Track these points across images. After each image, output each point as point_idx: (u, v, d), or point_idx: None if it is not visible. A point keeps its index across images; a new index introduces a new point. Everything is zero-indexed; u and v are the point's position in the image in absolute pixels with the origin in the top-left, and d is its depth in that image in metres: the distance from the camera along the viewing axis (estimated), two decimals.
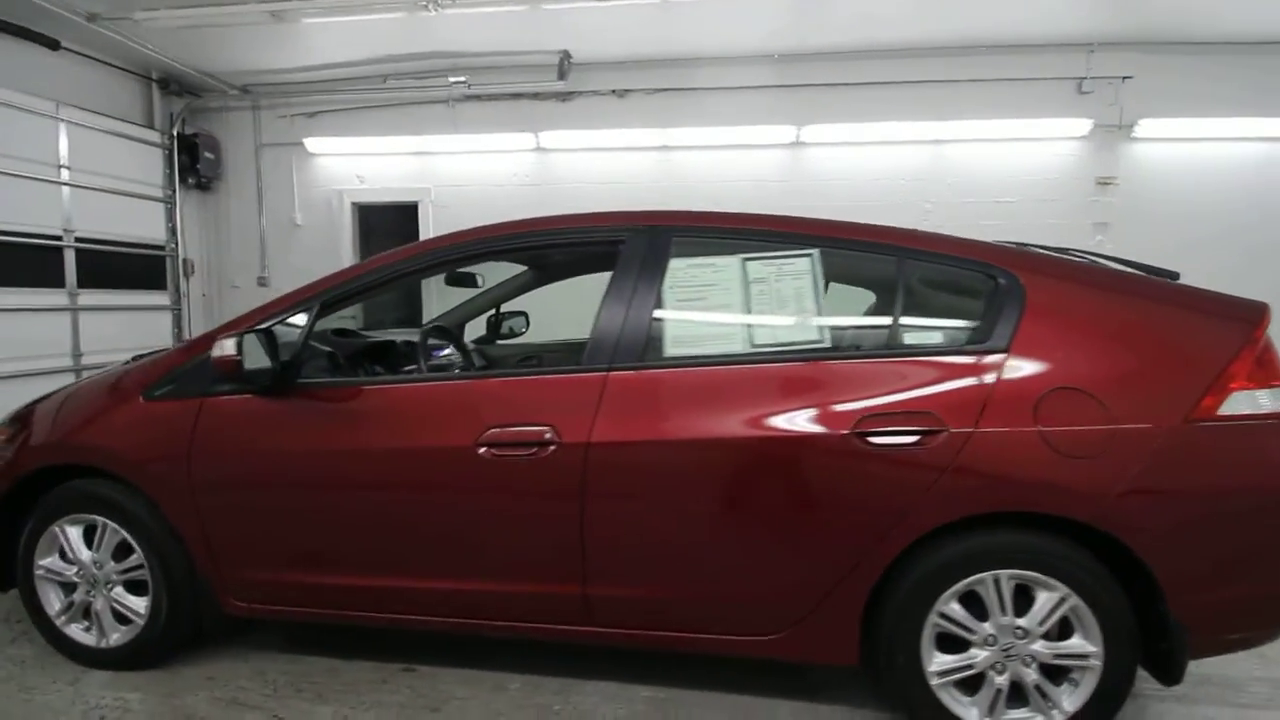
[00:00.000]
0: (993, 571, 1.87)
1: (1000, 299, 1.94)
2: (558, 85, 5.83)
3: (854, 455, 1.86)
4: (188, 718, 2.09)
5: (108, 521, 2.27)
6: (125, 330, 5.64)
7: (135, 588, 2.31)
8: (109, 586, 2.30)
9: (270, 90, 6.22)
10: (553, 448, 1.97)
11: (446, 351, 3.01)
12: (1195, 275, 2.13)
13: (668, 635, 2.04)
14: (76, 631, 2.36)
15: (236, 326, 2.25)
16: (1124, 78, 5.33)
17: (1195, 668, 1.89)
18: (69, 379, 5.18)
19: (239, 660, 2.41)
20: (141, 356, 2.56)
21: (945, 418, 1.84)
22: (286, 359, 2.10)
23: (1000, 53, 5.38)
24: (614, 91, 5.97)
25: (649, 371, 2.00)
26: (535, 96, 6.03)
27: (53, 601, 2.36)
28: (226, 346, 2.00)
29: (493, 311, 3.59)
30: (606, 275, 3.15)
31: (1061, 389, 1.84)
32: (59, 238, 5.04)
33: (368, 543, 2.14)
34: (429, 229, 6.33)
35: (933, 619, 1.90)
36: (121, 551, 2.29)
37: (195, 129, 6.27)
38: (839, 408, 1.89)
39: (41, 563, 2.34)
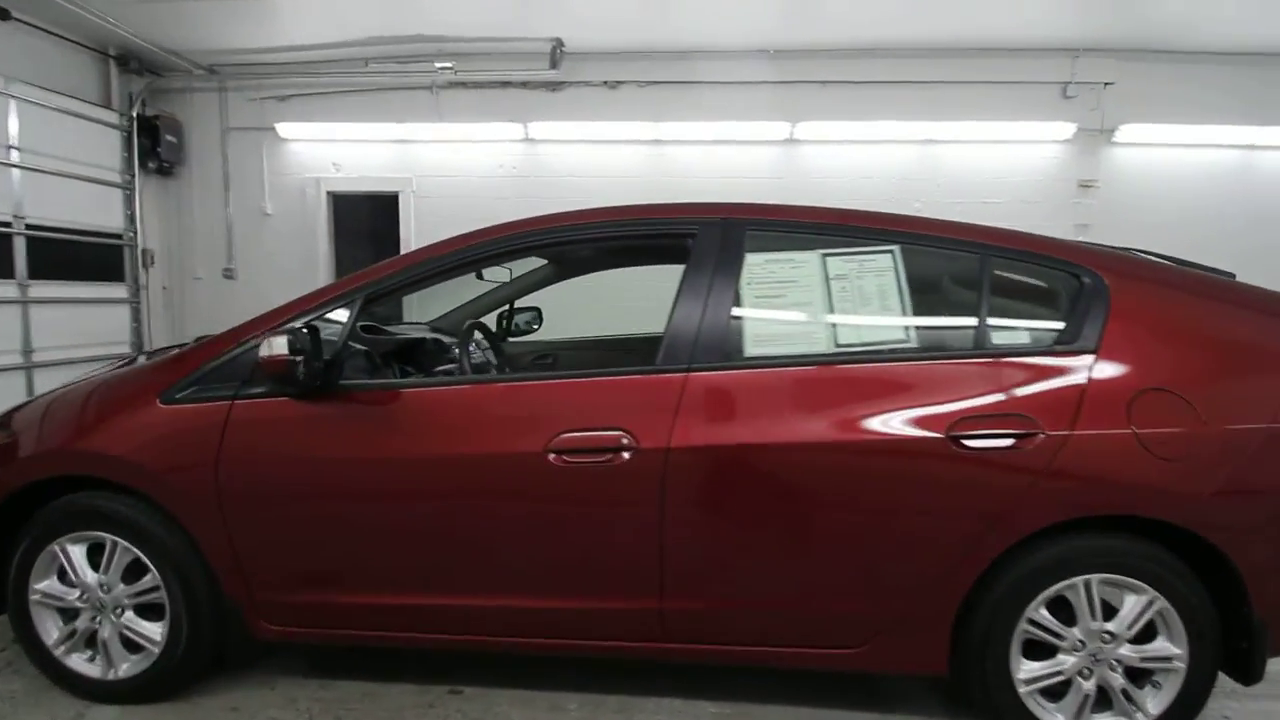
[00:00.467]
0: (1084, 576, 1.84)
1: (1086, 299, 1.91)
2: (549, 74, 5.67)
3: (949, 459, 1.80)
4: None
5: (118, 539, 2.04)
6: (80, 324, 5.23)
7: (147, 612, 2.08)
8: (118, 611, 2.07)
9: (239, 71, 5.86)
10: (629, 454, 1.85)
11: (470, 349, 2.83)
12: None
13: (746, 650, 1.95)
14: (79, 662, 2.12)
15: (267, 323, 2.06)
16: (1106, 83, 5.47)
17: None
18: (19, 378, 4.76)
19: (264, 687, 2.21)
20: (154, 354, 2.32)
21: (1041, 420, 1.80)
22: (329, 358, 1.92)
23: (989, 56, 5.45)
24: (606, 83, 5.83)
25: (730, 372, 1.90)
26: (524, 85, 5.84)
27: (50, 630, 2.12)
28: (278, 345, 1.80)
29: (505, 307, 3.43)
30: (608, 270, 3.22)
31: (1151, 390, 1.82)
32: (8, 224, 4.61)
33: (422, 559, 1.98)
34: (410, 221, 6.08)
35: (1022, 625, 1.86)
36: (132, 573, 2.07)
37: (156, 110, 5.86)
38: (931, 410, 1.82)
39: (37, 586, 2.09)
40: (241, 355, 2.03)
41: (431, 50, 5.61)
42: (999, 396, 1.83)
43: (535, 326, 3.61)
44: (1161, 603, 1.83)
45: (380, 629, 2.03)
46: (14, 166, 4.64)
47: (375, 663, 2.31)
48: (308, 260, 6.11)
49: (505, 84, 5.85)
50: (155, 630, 2.06)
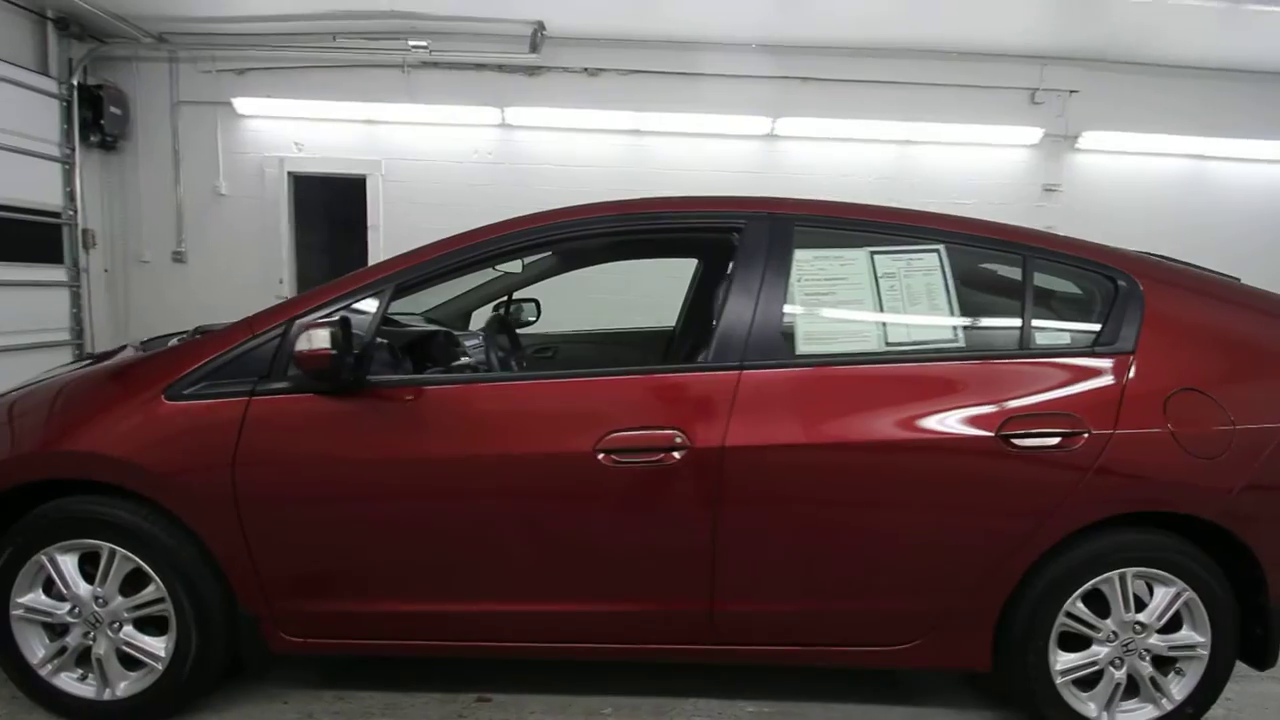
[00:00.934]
0: (1120, 570, 1.89)
1: (1123, 302, 1.96)
2: (528, 58, 5.51)
3: (1000, 458, 1.82)
4: None
5: (116, 548, 1.86)
6: (13, 309, 4.83)
7: (147, 625, 1.92)
8: (116, 626, 1.90)
9: (192, 41, 5.48)
10: (682, 453, 1.80)
11: (473, 343, 2.72)
12: None
13: (796, 650, 1.94)
14: (68, 682, 1.94)
15: (285, 314, 1.91)
16: (1071, 91, 5.69)
17: None
18: None
19: (276, 701, 2.07)
20: (148, 344, 2.13)
21: (1086, 419, 1.84)
22: (358, 353, 1.80)
23: (965, 60, 5.59)
24: (586, 69, 5.71)
25: (784, 370, 1.87)
26: (501, 69, 5.67)
27: (34, 648, 1.92)
28: (319, 339, 1.66)
29: (503, 299, 3.31)
30: (620, 261, 3.14)
31: (1184, 390, 1.88)
32: None
33: (461, 563, 1.88)
34: (379, 206, 5.84)
35: (1061, 619, 1.91)
36: (131, 584, 1.90)
37: (99, 79, 5.42)
38: (982, 410, 1.84)
39: (20, 600, 1.90)
40: (258, 348, 1.88)
41: (404, 27, 5.38)
42: (1045, 396, 1.86)
43: (533, 319, 3.51)
44: (1189, 594, 1.90)
45: (412, 638, 1.92)
46: None
47: (393, 671, 2.20)
48: (267, 244, 5.79)
49: (480, 66, 5.67)
50: (158, 645, 1.90)
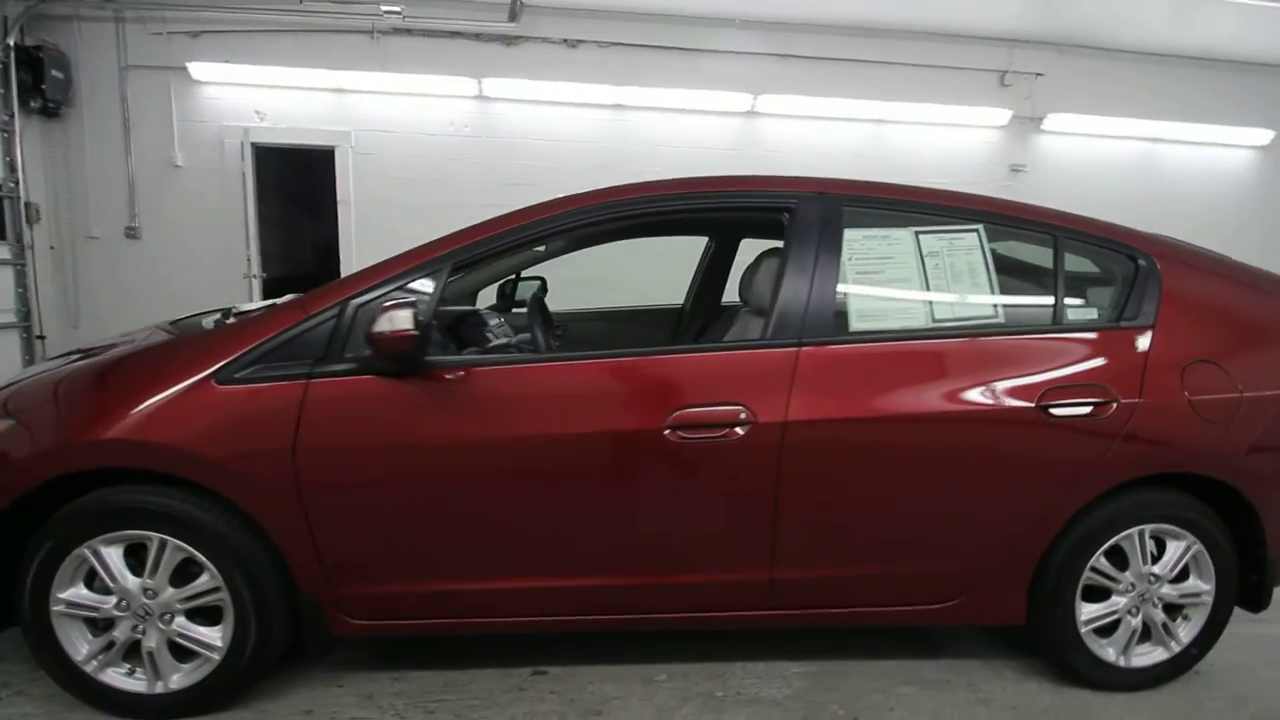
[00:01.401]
0: (1139, 527, 2.05)
1: (1143, 278, 2.10)
2: (507, 27, 5.38)
3: (1040, 426, 1.94)
4: None
5: (166, 538, 1.79)
6: None
7: (197, 616, 1.86)
8: (167, 618, 1.84)
9: (140, 1, 5.12)
10: (746, 428, 1.85)
11: (495, 322, 2.69)
12: None
13: (850, 612, 2.03)
14: (116, 677, 1.87)
15: (339, 293, 1.86)
16: (1037, 74, 5.91)
17: None
18: None
19: (330, 685, 2.04)
20: (179, 323, 2.02)
21: (1114, 389, 1.97)
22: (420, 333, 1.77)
23: (940, 40, 5.72)
24: (565, 40, 5.61)
25: (840, 347, 1.93)
26: (477, 37, 5.51)
27: (78, 644, 1.85)
28: (401, 320, 1.63)
29: (511, 277, 3.28)
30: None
31: (1199, 361, 2.04)
32: None
33: (527, 541, 1.89)
34: (348, 179, 5.63)
35: (1086, 573, 2.06)
36: (181, 574, 1.84)
37: (38, 40, 5.01)
38: (1023, 382, 1.95)
39: (61, 595, 1.81)
40: (312, 330, 1.83)
41: None
42: (1077, 368, 1.99)
43: (541, 297, 3.47)
44: (1197, 546, 2.08)
45: (481, 615, 1.94)
46: None
47: (445, 650, 2.20)
48: (228, 219, 5.51)
49: (455, 34, 5.49)
50: (214, 635, 1.85)
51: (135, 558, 1.83)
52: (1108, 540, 2.05)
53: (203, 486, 1.78)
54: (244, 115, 5.45)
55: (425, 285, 1.88)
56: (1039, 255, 2.17)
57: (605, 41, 5.60)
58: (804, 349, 1.91)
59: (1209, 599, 2.12)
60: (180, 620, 1.85)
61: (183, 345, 1.93)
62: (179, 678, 1.87)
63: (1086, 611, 2.09)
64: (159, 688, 1.86)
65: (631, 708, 1.99)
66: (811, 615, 2.02)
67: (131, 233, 5.48)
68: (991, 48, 5.78)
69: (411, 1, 5.23)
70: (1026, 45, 5.79)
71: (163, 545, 1.80)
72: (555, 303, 3.55)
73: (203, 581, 1.83)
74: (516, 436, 1.83)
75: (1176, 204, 6.05)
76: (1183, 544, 2.08)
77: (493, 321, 2.66)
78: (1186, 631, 2.15)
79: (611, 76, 5.58)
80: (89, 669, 1.85)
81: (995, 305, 2.05)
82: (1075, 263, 2.19)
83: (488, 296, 3.33)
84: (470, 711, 1.95)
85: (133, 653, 1.87)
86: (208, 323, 2.15)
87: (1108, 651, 2.12)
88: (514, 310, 3.33)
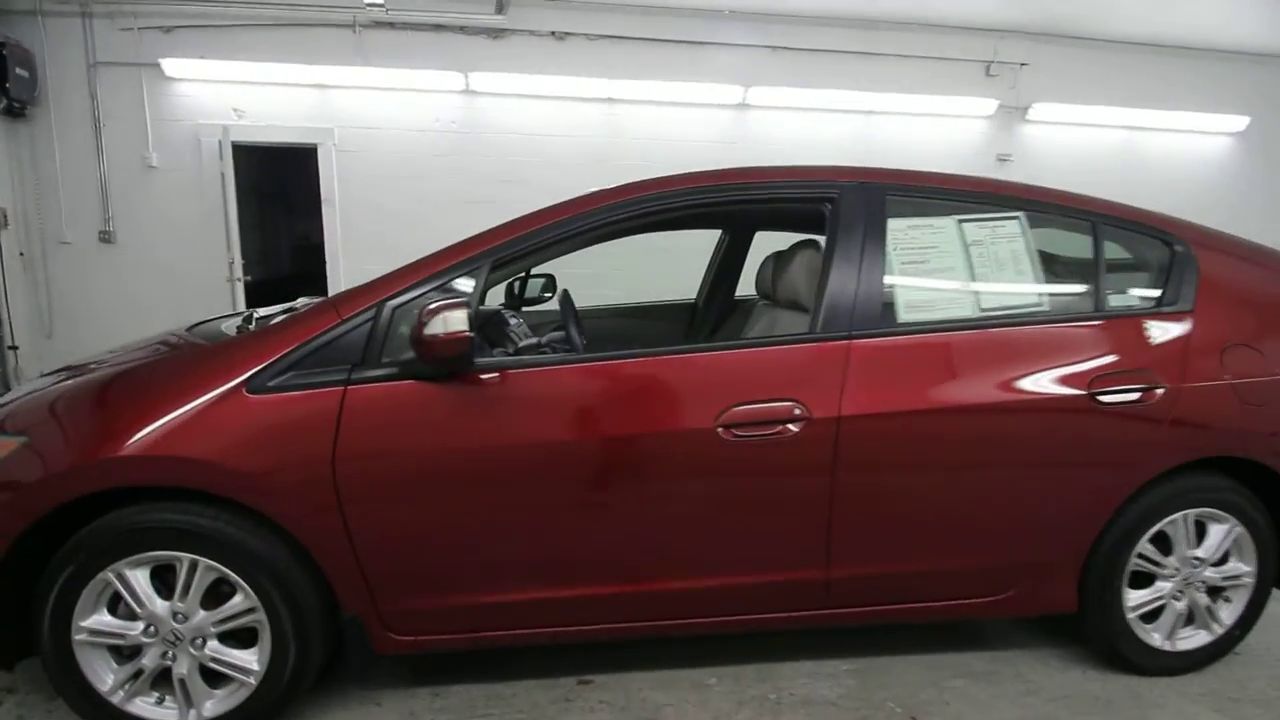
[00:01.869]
0: (1183, 512, 2.06)
1: (1180, 264, 2.10)
2: (494, 19, 5.26)
3: (1091, 414, 1.93)
4: None
5: (197, 558, 1.69)
6: None
7: (229, 639, 1.76)
8: (199, 643, 1.73)
9: None
10: (800, 425, 1.80)
11: (515, 321, 2.61)
12: None
13: (903, 608, 2.00)
14: (145, 707, 1.76)
15: (373, 294, 1.78)
16: (1021, 64, 5.97)
17: None
18: None
19: (368, 704, 1.96)
20: (197, 326, 1.91)
21: (1160, 374, 1.97)
22: None
23: (927, 31, 5.74)
24: (553, 33, 5.50)
25: (890, 339, 1.90)
26: (462, 30, 5.38)
27: (102, 674, 1.73)
28: (455, 321, 1.54)
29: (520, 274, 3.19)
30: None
31: (1236, 345, 2.05)
32: None
33: (581, 546, 1.83)
34: (332, 178, 5.47)
35: (1133, 560, 2.06)
36: (212, 595, 1.74)
37: (1, 36, 4.76)
38: (1072, 370, 1.94)
39: (83, 624, 1.70)
40: (348, 334, 1.74)
41: None
42: (1124, 354, 1.98)
43: (549, 295, 3.40)
44: (1239, 529, 2.09)
45: (532, 626, 1.86)
46: None
47: (484, 663, 2.12)
48: (207, 221, 5.31)
49: (440, 27, 5.36)
50: (249, 658, 1.75)
51: (161, 580, 1.73)
52: (1154, 526, 2.05)
53: (235, 501, 1.68)
54: (221, 113, 5.25)
55: (465, 284, 1.79)
56: (1070, 242, 2.16)
57: (594, 34, 5.52)
58: (855, 342, 1.87)
59: (1250, 580, 2.14)
60: (213, 644, 1.75)
61: (209, 353, 1.82)
62: (212, 704, 1.77)
63: (1133, 598, 2.09)
64: (191, 716, 1.76)
65: (687, 714, 1.94)
66: (868, 613, 1.99)
67: (105, 237, 5.26)
68: (977, 38, 5.82)
69: None
70: (1011, 35, 5.84)
71: (194, 566, 1.70)
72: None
73: (237, 602, 1.73)
74: (560, 440, 1.76)
75: (1157, 189, 6.09)
76: (1225, 527, 2.09)
77: (513, 321, 2.58)
78: (1229, 613, 2.16)
79: (601, 70, 5.50)
80: (115, 699, 1.74)
81: (1040, 293, 2.03)
82: (1121, 250, 2.19)
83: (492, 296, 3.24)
84: None
85: (161, 680, 1.77)
86: (228, 328, 2.04)
87: (1154, 636, 2.13)
88: (523, 308, 3.24)
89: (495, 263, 1.82)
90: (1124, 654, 2.11)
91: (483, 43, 5.43)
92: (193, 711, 1.76)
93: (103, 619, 1.72)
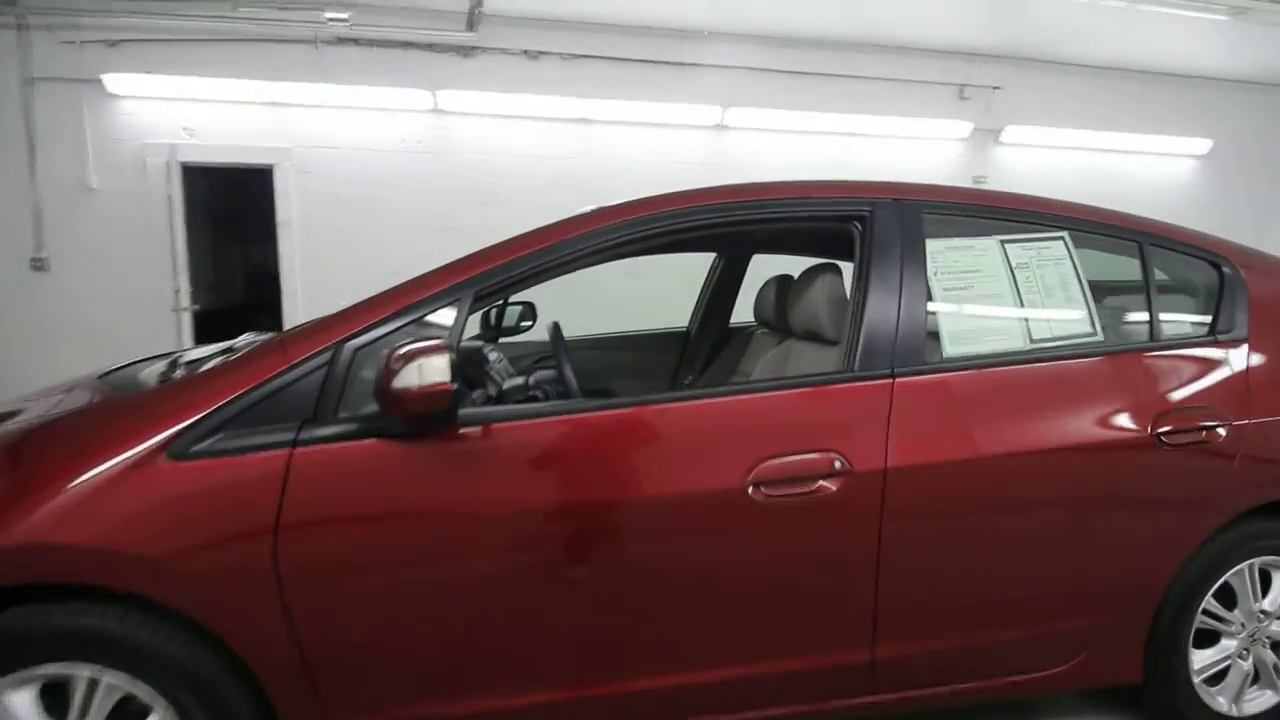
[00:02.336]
0: (1249, 561, 1.85)
1: (1230, 288, 1.91)
2: (464, 36, 5.02)
3: (1157, 455, 1.71)
4: None
5: (100, 672, 1.34)
6: None
7: None
8: None
9: (47, 5, 4.54)
10: (842, 480, 1.54)
11: (495, 357, 2.31)
12: None
13: (958, 689, 1.73)
14: None
15: (329, 334, 1.46)
16: (994, 88, 5.94)
17: None
18: None
19: None
20: (111, 373, 1.57)
21: (1224, 410, 1.76)
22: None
23: (902, 55, 5.69)
24: (525, 52, 5.28)
25: (935, 376, 1.65)
26: (431, 47, 5.13)
27: None
28: (434, 369, 1.24)
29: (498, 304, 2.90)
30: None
31: None
32: None
33: (590, 632, 1.52)
34: (290, 200, 5.13)
35: (1198, 617, 1.83)
36: (118, 715, 1.38)
37: None
38: (1133, 406, 1.72)
39: None
40: (296, 383, 1.42)
41: None
42: (1186, 390, 1.78)
43: (528, 324, 3.10)
44: None
45: None
46: None
47: None
48: (152, 247, 4.90)
49: (407, 44, 5.10)
50: None
51: (55, 699, 1.37)
52: (1219, 578, 1.83)
53: (149, 599, 1.34)
54: (170, 132, 4.89)
55: (443, 320, 1.49)
56: (1105, 264, 1.96)
57: (568, 53, 5.31)
58: (898, 380, 1.61)
59: None
60: None
61: (121, 407, 1.49)
62: None
63: (1199, 660, 1.86)
64: None
65: None
66: (917, 697, 1.71)
67: (38, 264, 4.83)
68: (952, 61, 5.79)
69: (358, 9, 4.80)
70: (984, 59, 5.83)
71: (92, 685, 1.34)
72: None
73: None
74: (557, 505, 1.46)
75: (1124, 209, 6.16)
76: None
77: (493, 357, 2.27)
78: None
79: (575, 89, 5.29)
80: None
81: (1092, 321, 1.81)
82: (1168, 274, 2.00)
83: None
84: None
85: None
86: (148, 375, 1.70)
87: (1219, 701, 1.90)
88: (500, 340, 2.94)
89: (479, 293, 1.53)
90: None
91: (452, 60, 5.19)
92: None
93: None
